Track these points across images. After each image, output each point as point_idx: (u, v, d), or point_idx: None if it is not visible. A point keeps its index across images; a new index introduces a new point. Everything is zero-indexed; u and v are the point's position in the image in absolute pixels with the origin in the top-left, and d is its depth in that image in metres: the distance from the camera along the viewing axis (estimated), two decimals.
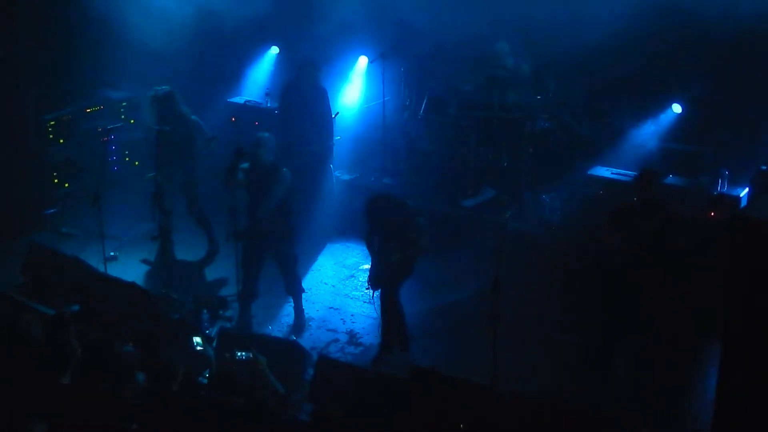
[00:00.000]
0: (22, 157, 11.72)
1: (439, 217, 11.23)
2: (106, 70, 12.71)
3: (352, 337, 9.69)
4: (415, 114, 12.35)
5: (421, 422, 7.57)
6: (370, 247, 9.04)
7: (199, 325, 9.29)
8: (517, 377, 8.41)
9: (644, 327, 8.82)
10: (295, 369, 8.42)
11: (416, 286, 9.70)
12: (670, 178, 10.45)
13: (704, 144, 10.75)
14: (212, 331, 9.24)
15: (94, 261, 10.11)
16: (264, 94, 12.90)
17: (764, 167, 9.75)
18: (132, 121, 12.88)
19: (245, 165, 9.44)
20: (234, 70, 13.32)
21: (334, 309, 10.24)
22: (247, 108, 12.91)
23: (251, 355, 7.42)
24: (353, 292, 10.56)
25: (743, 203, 10.00)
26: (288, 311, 10.01)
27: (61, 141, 12.22)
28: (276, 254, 9.67)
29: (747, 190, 10.09)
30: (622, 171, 10.68)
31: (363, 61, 12.70)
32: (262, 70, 13.30)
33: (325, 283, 10.79)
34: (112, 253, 10.80)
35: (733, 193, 10.12)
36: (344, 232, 11.51)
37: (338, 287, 10.72)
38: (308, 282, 10.57)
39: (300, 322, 9.86)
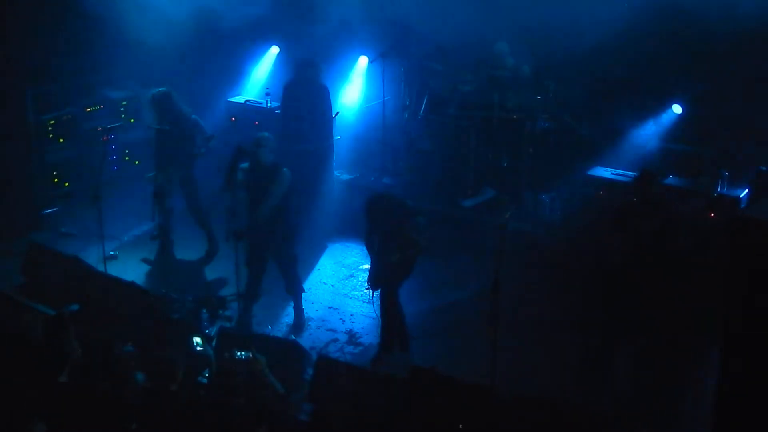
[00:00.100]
0: (22, 157, 11.71)
1: (439, 217, 11.24)
2: (106, 70, 12.71)
3: (352, 337, 9.69)
4: (415, 114, 12.35)
5: (420, 422, 7.57)
6: (369, 247, 9.04)
7: (199, 325, 9.28)
8: (517, 377, 8.41)
9: (644, 327, 8.82)
10: (294, 369, 8.42)
11: (416, 286, 9.70)
12: (670, 179, 10.46)
13: (704, 144, 10.75)
14: (212, 331, 9.23)
15: (94, 261, 10.12)
16: (264, 93, 12.90)
17: (764, 168, 9.75)
18: (132, 121, 12.88)
19: (245, 165, 9.44)
20: (234, 70, 13.32)
21: (334, 309, 10.24)
22: (247, 108, 12.91)
23: (251, 355, 7.41)
24: (353, 292, 10.56)
25: (743, 204, 9.99)
26: (288, 311, 10.01)
27: (61, 141, 12.22)
28: (276, 254, 9.67)
29: (747, 190, 10.09)
30: (622, 171, 10.68)
31: (363, 61, 12.70)
32: (262, 70, 13.31)
33: (325, 283, 10.79)
34: (111, 253, 10.80)
35: (733, 193, 10.12)
36: (344, 232, 11.51)
37: (338, 287, 10.71)
38: (308, 282, 10.57)
39: (299, 321, 9.86)
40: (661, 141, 11.04)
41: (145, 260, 11.07)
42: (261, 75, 13.30)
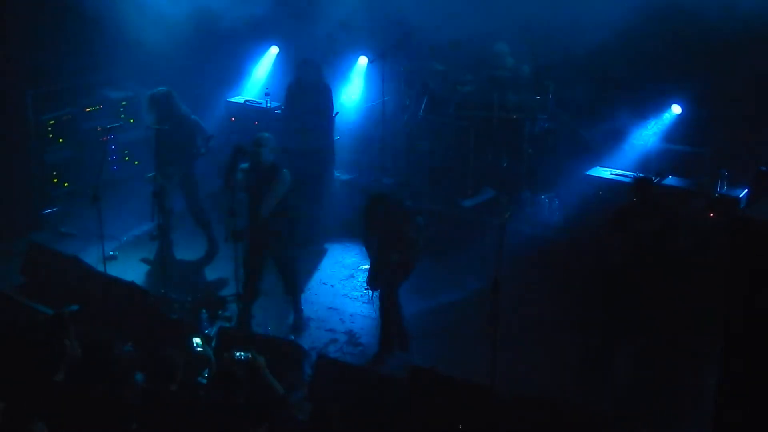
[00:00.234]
0: (22, 157, 11.71)
1: (439, 217, 11.23)
2: (106, 70, 12.70)
3: (351, 337, 9.68)
4: (415, 114, 12.35)
5: (420, 422, 7.56)
6: (369, 248, 9.04)
7: (199, 325, 9.28)
8: (517, 377, 8.41)
9: (644, 327, 8.83)
10: (294, 369, 8.42)
11: (416, 286, 9.68)
12: (670, 179, 10.45)
13: (704, 144, 10.75)
14: (211, 331, 9.24)
15: (94, 261, 10.11)
16: (264, 93, 12.89)
17: (764, 168, 9.74)
18: (132, 121, 12.87)
19: (245, 165, 9.43)
20: (234, 70, 13.31)
21: (333, 309, 10.23)
22: (247, 108, 12.90)
23: (250, 355, 7.41)
24: (352, 292, 10.55)
25: (743, 204, 9.99)
26: (287, 311, 10.00)
27: (61, 141, 12.22)
28: (275, 254, 9.66)
29: (746, 190, 10.09)
30: (622, 171, 10.68)
31: (363, 61, 12.70)
32: (262, 70, 13.30)
33: (324, 283, 10.79)
34: (111, 253, 10.80)
35: (733, 193, 10.12)
36: (344, 232, 11.50)
37: (337, 287, 10.71)
38: (307, 282, 10.56)
39: (299, 322, 9.85)
40: (661, 141, 11.04)
41: (144, 260, 11.07)
42: (261, 75, 13.29)
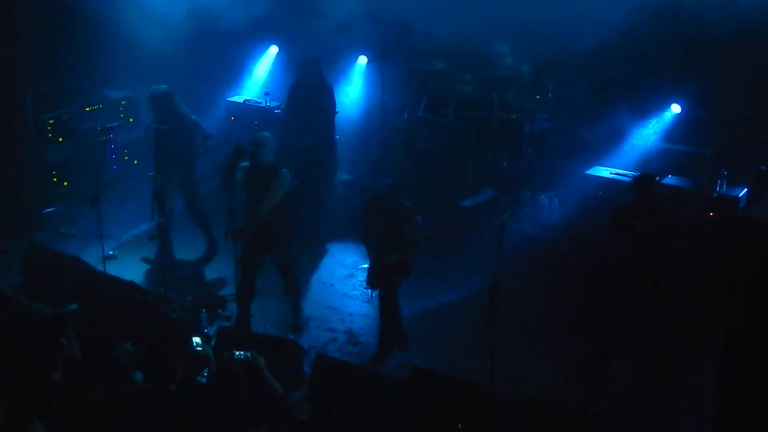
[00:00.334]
0: (22, 157, 11.70)
1: (439, 217, 11.23)
2: (105, 70, 12.70)
3: (351, 337, 9.68)
4: (414, 114, 12.35)
5: (420, 422, 7.56)
6: (368, 247, 9.04)
7: (198, 325, 9.28)
8: (517, 377, 8.40)
9: (644, 327, 8.82)
10: (293, 369, 8.41)
11: (416, 286, 9.68)
12: (670, 179, 10.46)
13: (704, 144, 10.75)
14: (211, 331, 9.23)
15: (94, 261, 10.10)
16: (263, 93, 12.90)
17: (764, 167, 9.75)
18: (131, 120, 12.87)
19: (244, 164, 9.43)
20: (233, 70, 13.32)
21: (333, 308, 10.23)
22: (247, 107, 12.90)
23: (250, 355, 7.40)
24: (352, 292, 10.55)
25: (742, 204, 9.99)
26: (287, 311, 9.99)
27: (61, 140, 12.22)
28: (275, 254, 9.66)
29: (746, 190, 10.09)
30: (622, 171, 10.68)
31: (363, 61, 12.69)
32: (262, 70, 13.30)
33: (324, 283, 10.78)
34: (111, 253, 10.79)
35: (733, 193, 10.12)
36: (344, 232, 11.49)
37: (337, 287, 10.70)
38: (307, 281, 10.56)
39: (299, 321, 9.84)
40: (661, 141, 11.04)
41: (144, 260, 11.07)
42: (260, 75, 13.30)
